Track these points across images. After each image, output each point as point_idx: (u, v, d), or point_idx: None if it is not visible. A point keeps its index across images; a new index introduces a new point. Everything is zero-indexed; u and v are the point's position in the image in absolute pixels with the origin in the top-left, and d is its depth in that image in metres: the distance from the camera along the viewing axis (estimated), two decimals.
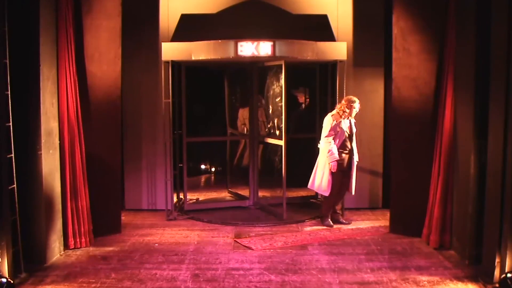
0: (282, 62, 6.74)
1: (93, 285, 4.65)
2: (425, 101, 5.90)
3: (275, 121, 7.30)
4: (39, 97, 5.01)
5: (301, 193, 7.93)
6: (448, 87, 5.59)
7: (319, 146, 6.53)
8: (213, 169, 9.48)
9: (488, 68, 4.80)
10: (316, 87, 7.82)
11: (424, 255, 5.46)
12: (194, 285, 4.65)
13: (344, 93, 6.90)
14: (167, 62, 6.85)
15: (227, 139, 8.64)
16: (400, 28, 5.92)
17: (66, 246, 5.57)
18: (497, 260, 4.49)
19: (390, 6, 6.17)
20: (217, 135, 8.74)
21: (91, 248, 5.68)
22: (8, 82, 4.62)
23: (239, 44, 6.48)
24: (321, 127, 6.62)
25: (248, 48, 6.47)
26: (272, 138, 7.40)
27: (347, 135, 6.44)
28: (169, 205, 7.03)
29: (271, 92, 7.38)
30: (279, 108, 7.01)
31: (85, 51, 5.76)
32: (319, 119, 7.80)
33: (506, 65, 4.42)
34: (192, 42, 6.69)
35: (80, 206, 5.66)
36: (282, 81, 6.78)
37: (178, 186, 7.38)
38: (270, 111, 7.48)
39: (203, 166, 9.42)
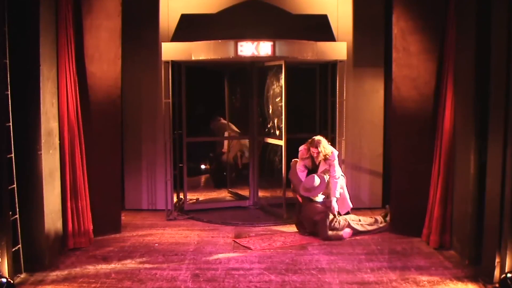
0: (282, 62, 6.75)
1: (93, 285, 4.65)
2: (425, 101, 5.90)
3: (275, 121, 7.30)
4: (39, 97, 5.00)
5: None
6: (448, 87, 5.59)
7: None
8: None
9: (488, 68, 4.80)
10: (316, 87, 7.83)
11: (424, 255, 5.46)
12: (194, 285, 4.65)
13: (344, 93, 6.92)
14: (167, 62, 6.85)
15: (227, 139, 8.66)
16: (400, 28, 5.92)
17: (66, 246, 5.57)
18: (497, 260, 4.49)
19: (390, 6, 6.18)
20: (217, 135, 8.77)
21: (91, 248, 5.68)
22: (8, 82, 4.62)
23: (239, 44, 6.48)
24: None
25: (248, 48, 6.47)
26: (272, 138, 7.40)
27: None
28: (169, 205, 7.03)
29: (271, 92, 7.38)
30: (279, 108, 7.01)
31: (85, 51, 5.75)
32: (319, 118, 7.82)
33: (506, 65, 4.41)
34: (192, 42, 6.69)
35: (80, 206, 5.66)
36: (282, 81, 6.78)
37: (178, 186, 7.38)
38: (270, 111, 7.49)
39: (203, 166, 9.42)
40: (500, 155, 4.48)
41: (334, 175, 6.22)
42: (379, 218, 6.45)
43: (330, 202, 6.19)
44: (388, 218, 6.50)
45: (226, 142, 8.92)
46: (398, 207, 6.21)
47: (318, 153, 6.18)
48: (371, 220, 6.42)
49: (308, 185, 6.20)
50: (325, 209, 6.13)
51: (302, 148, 6.42)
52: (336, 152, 6.32)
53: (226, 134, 8.71)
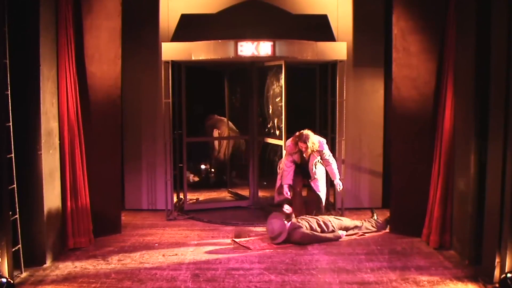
0: (282, 62, 6.75)
1: (93, 285, 4.65)
2: (425, 101, 5.90)
3: (275, 121, 7.30)
4: (39, 97, 5.01)
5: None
6: (448, 87, 5.59)
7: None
8: (213, 169, 9.48)
9: (488, 68, 4.80)
10: (316, 87, 7.83)
11: (424, 255, 5.46)
12: (194, 285, 4.65)
13: (344, 93, 6.92)
14: (167, 62, 6.85)
15: (227, 139, 8.67)
16: (400, 28, 5.92)
17: (66, 246, 5.57)
18: (497, 260, 4.49)
19: (390, 6, 6.18)
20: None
21: (91, 248, 5.68)
22: (8, 82, 4.62)
23: (239, 44, 6.48)
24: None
25: (248, 48, 6.47)
26: (272, 138, 7.40)
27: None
28: (169, 205, 7.03)
29: (271, 92, 7.38)
30: (279, 108, 7.01)
31: (85, 51, 5.75)
32: (319, 118, 7.82)
33: (506, 65, 4.41)
34: (192, 42, 6.69)
35: (80, 206, 5.66)
36: (282, 81, 6.79)
37: (178, 186, 7.38)
38: (270, 111, 7.49)
39: (203, 166, 9.43)
40: (500, 155, 4.48)
41: (329, 163, 6.38)
42: (365, 222, 6.41)
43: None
44: (377, 217, 6.59)
45: (216, 143, 9.01)
46: (398, 207, 6.21)
47: (307, 148, 6.22)
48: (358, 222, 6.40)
49: (274, 233, 5.89)
50: (299, 235, 5.86)
51: (289, 143, 6.43)
52: (323, 141, 6.40)
53: (215, 133, 8.75)
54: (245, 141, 8.21)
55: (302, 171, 6.49)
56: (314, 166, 6.35)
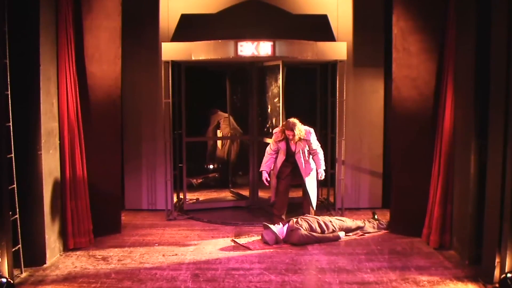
0: (280, 62, 6.74)
1: (93, 285, 4.65)
2: (425, 101, 5.90)
3: (274, 121, 7.30)
4: (39, 97, 5.01)
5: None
6: (448, 87, 5.59)
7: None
8: (213, 169, 9.48)
9: (488, 68, 4.80)
10: (317, 87, 7.83)
11: (424, 255, 5.46)
12: (194, 285, 4.65)
13: (344, 93, 6.92)
14: (167, 62, 6.85)
15: (228, 138, 8.66)
16: (400, 28, 5.92)
17: (66, 246, 5.57)
18: (497, 260, 4.49)
19: (390, 6, 6.17)
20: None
21: (91, 248, 5.68)
22: (8, 82, 4.62)
23: (239, 44, 6.48)
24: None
25: (248, 48, 6.48)
26: (271, 138, 7.38)
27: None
28: (169, 205, 7.03)
29: (271, 92, 7.38)
30: (277, 108, 7.01)
31: (85, 51, 5.76)
32: (319, 118, 7.83)
33: (506, 65, 4.41)
34: (192, 42, 6.69)
35: (80, 206, 5.66)
36: (280, 81, 6.78)
37: (178, 186, 7.38)
38: (269, 110, 7.49)
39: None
40: (500, 155, 4.48)
41: (317, 152, 6.45)
42: (367, 223, 6.42)
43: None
44: (377, 218, 6.59)
45: (219, 142, 9.00)
46: (398, 207, 6.21)
47: (294, 135, 6.28)
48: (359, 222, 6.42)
49: (270, 244, 5.85)
50: (297, 236, 5.86)
51: (276, 130, 6.52)
52: (311, 129, 6.46)
53: (219, 132, 8.74)
54: (246, 141, 8.21)
55: (292, 170, 6.54)
56: (301, 153, 6.38)
